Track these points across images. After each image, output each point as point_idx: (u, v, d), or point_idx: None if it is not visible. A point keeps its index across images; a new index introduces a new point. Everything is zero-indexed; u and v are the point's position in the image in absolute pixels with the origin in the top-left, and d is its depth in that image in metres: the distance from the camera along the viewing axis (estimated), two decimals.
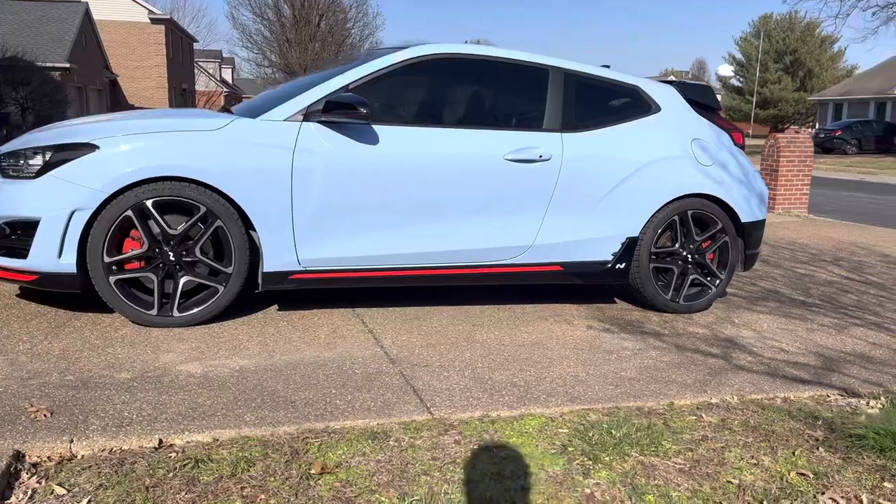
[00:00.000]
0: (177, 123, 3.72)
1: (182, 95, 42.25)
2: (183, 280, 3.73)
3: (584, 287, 5.02)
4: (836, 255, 7.22)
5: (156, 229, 3.66)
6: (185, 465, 2.30)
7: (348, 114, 3.75)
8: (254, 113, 3.94)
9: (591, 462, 2.42)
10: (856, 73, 53.65)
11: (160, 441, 2.50)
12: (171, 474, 2.25)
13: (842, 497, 2.28)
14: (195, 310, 3.76)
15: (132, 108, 36.37)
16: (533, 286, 4.88)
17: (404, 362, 3.42)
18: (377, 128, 3.92)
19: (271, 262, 3.82)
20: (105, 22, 34.91)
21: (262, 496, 2.15)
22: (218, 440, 2.52)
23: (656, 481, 2.32)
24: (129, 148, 3.57)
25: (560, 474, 2.34)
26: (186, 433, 2.56)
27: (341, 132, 3.85)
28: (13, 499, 2.12)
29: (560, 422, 2.76)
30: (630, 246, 4.42)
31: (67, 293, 3.83)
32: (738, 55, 61.68)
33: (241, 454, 2.39)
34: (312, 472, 2.28)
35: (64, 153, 3.55)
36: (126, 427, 2.57)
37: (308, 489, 2.19)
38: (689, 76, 79.23)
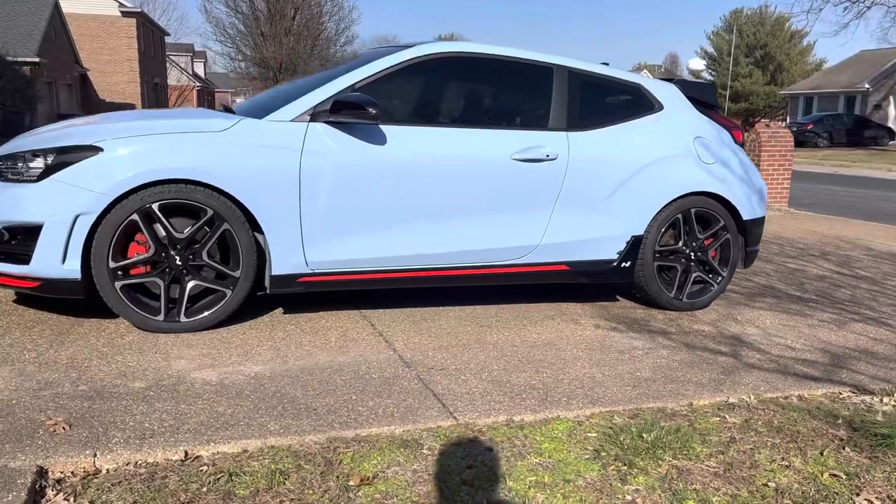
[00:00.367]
0: (182, 124, 3.64)
1: (154, 90, 41.61)
2: (190, 284, 3.66)
3: (585, 285, 5.02)
4: (822, 249, 7.32)
5: (161, 233, 3.58)
6: (218, 479, 2.25)
7: (357, 114, 3.69)
8: (258, 113, 3.87)
9: (626, 467, 2.41)
10: (825, 67, 54.46)
11: (186, 453, 2.45)
12: (205, 489, 2.20)
13: (876, 498, 2.30)
14: (203, 315, 3.69)
15: (103, 102, 35.77)
16: (534, 285, 4.86)
17: (419, 366, 3.39)
18: (384, 128, 3.88)
19: (279, 265, 3.76)
20: (75, 15, 34.23)
21: None
22: (246, 451, 2.47)
23: (694, 486, 2.32)
24: (133, 150, 3.48)
25: (598, 481, 2.33)
26: (212, 444, 2.50)
27: (349, 132, 3.80)
28: None
29: (587, 426, 2.75)
30: (635, 244, 4.43)
31: (65, 299, 3.73)
32: (710, 49, 62.34)
33: (273, 466, 2.34)
34: (351, 483, 2.24)
35: (67, 156, 3.46)
36: (149, 439, 2.50)
37: (348, 502, 2.15)
38: (662, 70, 79.87)
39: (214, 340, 3.59)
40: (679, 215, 4.50)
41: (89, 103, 35.31)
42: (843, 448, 2.67)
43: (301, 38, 35.37)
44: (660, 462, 2.45)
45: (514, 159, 4.09)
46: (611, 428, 2.72)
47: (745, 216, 4.69)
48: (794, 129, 33.09)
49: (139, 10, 37.73)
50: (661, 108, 4.60)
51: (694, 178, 4.49)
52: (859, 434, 2.78)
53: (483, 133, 4.09)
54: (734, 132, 4.92)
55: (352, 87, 3.89)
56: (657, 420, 2.78)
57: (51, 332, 3.58)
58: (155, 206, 3.50)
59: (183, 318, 3.66)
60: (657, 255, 4.51)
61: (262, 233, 3.72)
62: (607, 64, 4.86)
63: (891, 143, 32.89)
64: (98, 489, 2.19)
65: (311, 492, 2.20)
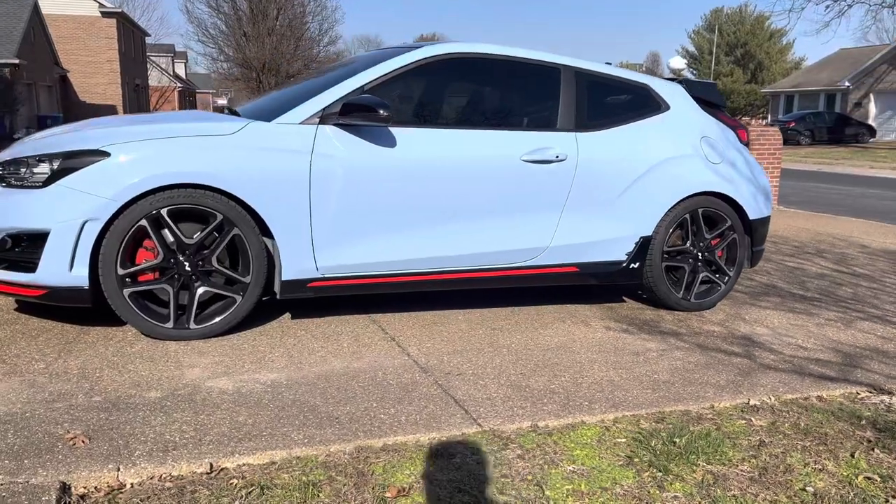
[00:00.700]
0: (189, 128, 3.57)
1: (135, 91, 41.16)
2: (200, 291, 3.59)
3: (590, 287, 5.00)
4: (817, 246, 7.36)
5: (170, 238, 3.51)
6: (250, 493, 2.20)
7: (368, 116, 3.64)
8: (265, 115, 3.81)
9: (661, 473, 2.38)
10: (804, 65, 55.08)
11: (211, 465, 2.39)
12: (237, 503, 2.14)
13: None
14: (213, 321, 3.62)
15: (83, 104, 35.33)
16: (539, 288, 4.83)
17: (436, 371, 3.35)
18: (393, 130, 3.83)
19: (289, 269, 3.70)
20: (54, 16, 33.76)
21: None
22: (273, 462, 2.41)
23: (732, 492, 2.30)
24: (141, 154, 3.41)
25: (635, 488, 2.30)
26: (236, 455, 2.45)
27: (357, 135, 3.75)
28: None
29: (615, 431, 2.72)
30: (644, 245, 4.41)
31: (67, 307, 3.64)
32: (692, 48, 62.84)
33: (304, 478, 2.29)
34: (387, 496, 2.19)
35: (73, 161, 3.38)
36: (172, 451, 2.44)
37: None
38: (643, 69, 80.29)
39: (226, 348, 3.52)
40: (687, 215, 4.48)
41: (69, 105, 34.86)
42: (873, 450, 2.66)
43: (284, 38, 35.10)
44: (694, 467, 2.42)
45: (524, 160, 4.06)
46: (639, 433, 2.70)
47: (752, 216, 4.69)
48: (777, 126, 33.41)
49: (119, 10, 37.27)
50: (667, 108, 4.59)
51: (701, 178, 4.48)
52: (886, 435, 2.78)
53: (493, 134, 4.05)
54: (739, 131, 4.92)
55: (361, 89, 3.83)
56: (685, 424, 2.76)
57: (57, 342, 3.50)
58: (164, 212, 3.43)
59: (192, 325, 3.59)
60: (665, 255, 4.50)
61: (270, 237, 3.66)
62: (610, 63, 4.85)
63: (871, 140, 33.28)
64: None
65: None
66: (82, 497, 2.20)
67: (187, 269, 3.55)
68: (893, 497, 2.31)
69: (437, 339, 3.83)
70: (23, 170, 3.45)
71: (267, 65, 34.59)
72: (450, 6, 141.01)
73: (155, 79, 49.80)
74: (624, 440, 2.63)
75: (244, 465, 2.41)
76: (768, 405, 3.11)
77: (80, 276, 3.38)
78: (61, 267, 3.35)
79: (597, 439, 2.64)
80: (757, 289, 5.35)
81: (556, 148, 4.15)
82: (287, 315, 4.11)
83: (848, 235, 8.23)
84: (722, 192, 4.53)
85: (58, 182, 3.35)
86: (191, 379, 3.10)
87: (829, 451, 2.64)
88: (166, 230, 3.49)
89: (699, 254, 4.59)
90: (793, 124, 32.87)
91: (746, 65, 59.59)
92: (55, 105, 33.06)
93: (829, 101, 38.95)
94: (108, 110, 34.93)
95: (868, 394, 3.35)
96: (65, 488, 2.21)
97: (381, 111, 3.61)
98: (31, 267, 3.39)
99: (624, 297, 4.93)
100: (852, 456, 2.60)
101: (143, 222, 3.42)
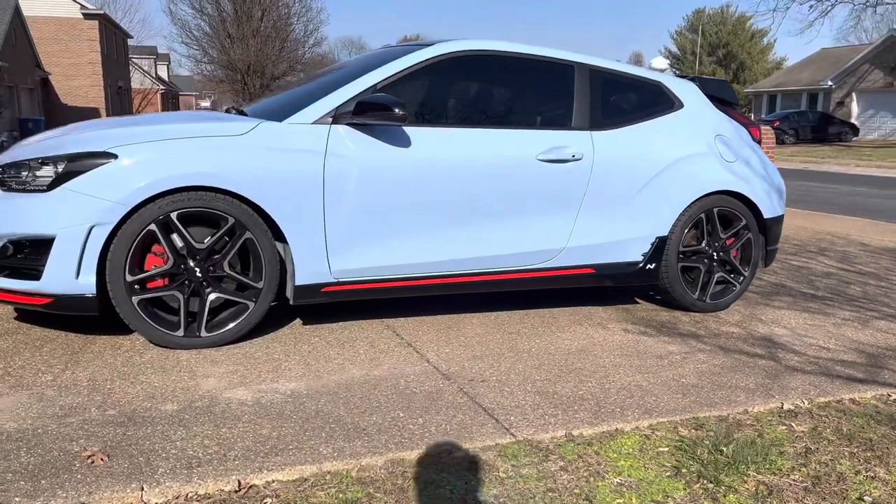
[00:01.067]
0: (198, 128, 3.44)
1: (118, 94, 40.68)
2: (211, 297, 3.46)
3: (601, 289, 4.92)
4: (818, 245, 7.34)
5: (180, 243, 3.38)
6: None
7: (383, 115, 3.53)
8: (275, 115, 3.68)
9: (712, 485, 2.29)
10: (785, 65, 55.54)
11: (239, 482, 2.27)
12: None
13: None
14: (224, 329, 3.49)
15: (66, 107, 34.86)
16: (551, 290, 4.74)
17: (459, 378, 3.24)
18: (407, 129, 3.72)
19: (303, 274, 3.58)
20: (35, 18, 33.24)
21: None
22: (304, 478, 2.29)
23: (788, 503, 2.21)
24: (150, 156, 3.27)
25: (687, 500, 2.21)
26: (265, 471, 2.33)
27: (371, 134, 3.64)
28: None
29: (655, 439, 2.63)
30: (660, 245, 4.33)
31: (68, 315, 3.50)
32: (674, 49, 63.21)
33: (341, 496, 2.18)
34: None
35: (78, 163, 3.23)
36: (196, 468, 2.32)
37: None
38: None
39: (238, 356, 3.40)
40: (702, 215, 4.41)
41: (51, 108, 34.37)
42: None
43: (269, 39, 34.83)
44: (745, 477, 2.33)
45: (540, 160, 3.96)
46: (681, 440, 2.61)
47: (766, 214, 4.63)
48: (767, 126, 33.58)
49: (101, 11, 36.81)
50: (681, 105, 4.52)
51: (717, 176, 4.41)
52: None
53: (509, 133, 3.95)
54: (751, 129, 4.86)
55: (374, 88, 3.72)
56: (728, 431, 2.67)
57: (62, 352, 3.35)
58: (174, 215, 3.30)
59: (203, 333, 3.46)
60: (681, 256, 4.42)
61: (283, 241, 3.54)
62: (619, 61, 4.77)
63: (854, 139, 33.56)
64: None
65: None
66: None
67: (198, 274, 3.42)
68: None
69: (455, 343, 3.73)
70: (24, 173, 3.30)
71: (252, 66, 34.32)
72: (433, 8, 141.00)
73: (137, 81, 49.30)
74: (666, 449, 2.54)
75: (273, 481, 2.29)
76: (804, 409, 3.03)
77: (87, 284, 3.24)
78: (67, 274, 3.21)
79: (638, 448, 2.55)
80: (767, 288, 5.29)
81: (572, 147, 4.06)
82: (298, 321, 3.98)
83: (846, 234, 8.22)
84: (737, 190, 4.46)
85: (63, 185, 3.21)
86: (207, 390, 2.97)
87: (878, 457, 2.56)
88: (176, 235, 3.36)
89: (714, 254, 4.52)
90: (777, 123, 33.04)
91: (728, 65, 60.00)
92: (37, 108, 32.58)
93: (811, 101, 39.24)
94: (91, 113, 34.47)
95: None
96: None
97: (397, 110, 3.49)
98: (34, 274, 3.24)
99: (636, 299, 4.85)
100: None
101: (153, 227, 3.28)
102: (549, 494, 2.22)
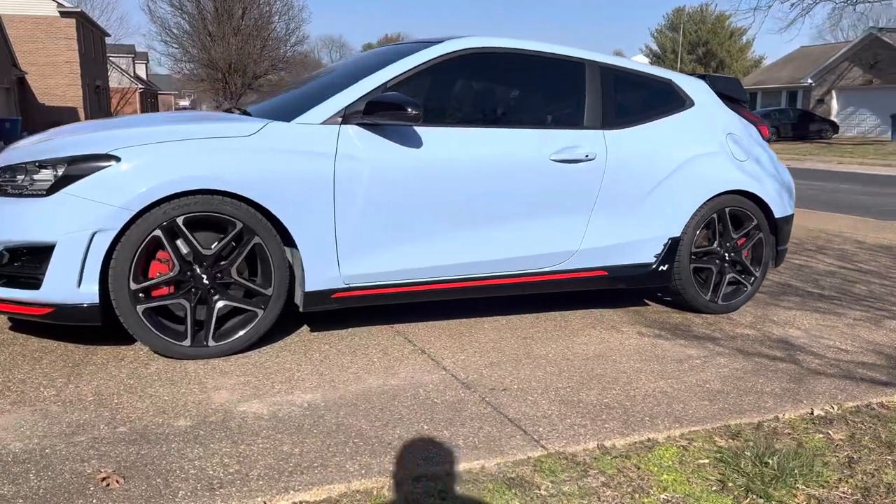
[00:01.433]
0: (204, 129, 3.30)
1: (96, 93, 40.08)
2: (219, 305, 3.32)
3: (611, 291, 4.83)
4: (815, 243, 7.31)
5: (186, 249, 3.24)
6: None
7: (395, 115, 3.40)
8: (281, 115, 3.55)
9: (762, 500, 2.20)
10: (763, 63, 56.05)
11: None
12: None
13: None
14: (233, 338, 3.36)
15: (43, 106, 34.28)
16: (559, 293, 4.64)
17: (479, 386, 3.13)
18: (418, 129, 3.60)
19: (313, 280, 3.45)
20: (11, 16, 32.62)
21: None
22: (333, 498, 2.18)
23: None
24: (154, 159, 3.13)
25: None
26: (291, 492, 2.20)
27: (382, 135, 3.51)
28: None
29: (694, 451, 2.54)
30: (672, 246, 4.25)
31: (66, 326, 3.34)
32: (655, 47, 63.57)
33: None
34: None
35: (78, 166, 3.08)
36: (219, 490, 2.19)
37: None
38: None
39: (248, 366, 3.26)
40: (714, 215, 4.34)
41: (27, 107, 33.76)
42: None
43: (250, 38, 34.44)
44: (794, 491, 2.24)
45: (553, 160, 3.87)
46: (720, 452, 2.52)
47: (777, 214, 4.56)
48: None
49: (78, 10, 36.21)
50: (692, 104, 4.44)
51: (729, 176, 4.34)
52: None
53: (522, 133, 3.85)
54: (760, 127, 4.80)
55: (384, 86, 3.60)
56: (769, 441, 2.58)
57: (64, 364, 3.20)
58: (180, 220, 3.16)
59: (211, 343, 3.32)
60: (693, 256, 4.34)
61: (292, 246, 3.41)
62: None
63: (834, 136, 33.86)
64: None
65: None
66: None
67: (205, 281, 3.28)
68: None
69: (469, 350, 3.62)
70: (20, 177, 3.14)
71: (233, 65, 33.95)
72: (414, 6, 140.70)
73: (115, 80, 48.63)
74: (707, 461, 2.45)
75: (301, 502, 2.17)
76: (835, 415, 2.96)
77: (89, 293, 3.09)
78: (69, 283, 3.06)
79: (678, 461, 2.46)
80: (774, 288, 5.24)
81: (585, 146, 3.96)
82: (305, 328, 3.85)
83: (840, 231, 8.21)
84: (749, 190, 4.39)
85: (62, 190, 3.05)
86: (220, 403, 2.84)
87: None
88: (182, 240, 3.22)
89: (726, 254, 4.45)
90: None
91: (708, 63, 60.50)
92: (13, 108, 31.98)
93: (790, 98, 39.57)
94: (69, 112, 33.92)
95: None
96: None
97: (410, 109, 3.37)
98: (33, 283, 3.09)
99: (646, 301, 4.77)
100: None
101: (158, 232, 3.14)
102: None
